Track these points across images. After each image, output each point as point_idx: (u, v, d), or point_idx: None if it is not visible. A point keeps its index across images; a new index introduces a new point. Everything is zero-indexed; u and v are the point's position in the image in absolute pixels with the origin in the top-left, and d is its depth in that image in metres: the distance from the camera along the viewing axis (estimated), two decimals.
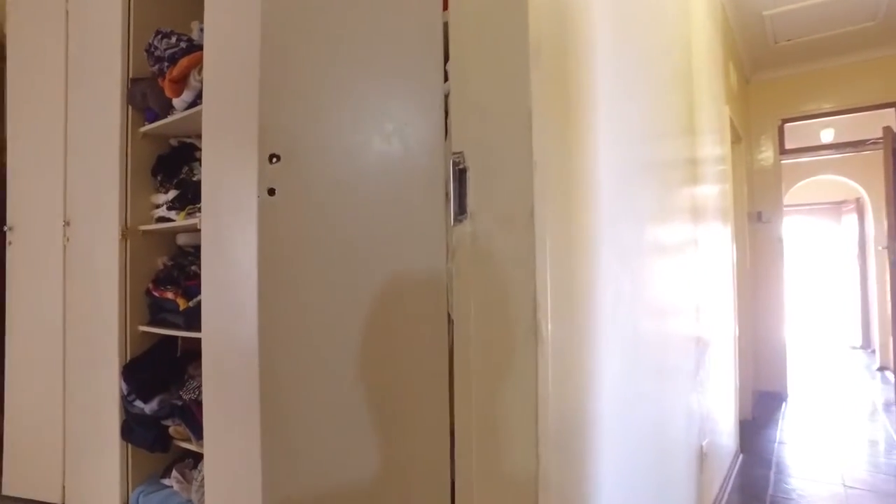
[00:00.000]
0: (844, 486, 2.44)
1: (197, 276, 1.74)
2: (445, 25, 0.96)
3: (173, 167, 1.87)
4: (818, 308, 7.85)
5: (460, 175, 0.86)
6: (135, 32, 1.89)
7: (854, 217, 6.53)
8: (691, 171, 2.01)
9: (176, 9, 1.95)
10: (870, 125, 3.90)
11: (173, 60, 1.67)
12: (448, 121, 1.00)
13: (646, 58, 1.48)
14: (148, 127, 1.87)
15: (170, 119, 1.78)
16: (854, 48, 3.68)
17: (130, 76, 1.89)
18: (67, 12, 2.09)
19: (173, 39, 1.70)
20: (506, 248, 0.82)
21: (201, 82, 1.55)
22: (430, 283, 0.98)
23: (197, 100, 1.68)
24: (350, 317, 0.99)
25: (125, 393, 1.78)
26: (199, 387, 1.65)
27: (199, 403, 1.64)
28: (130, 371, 1.78)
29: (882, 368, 5.21)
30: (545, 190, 0.81)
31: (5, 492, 2.14)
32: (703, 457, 1.94)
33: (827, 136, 4.48)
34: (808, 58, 3.85)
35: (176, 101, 1.72)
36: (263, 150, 0.99)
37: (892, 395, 4.08)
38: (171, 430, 1.76)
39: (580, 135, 0.99)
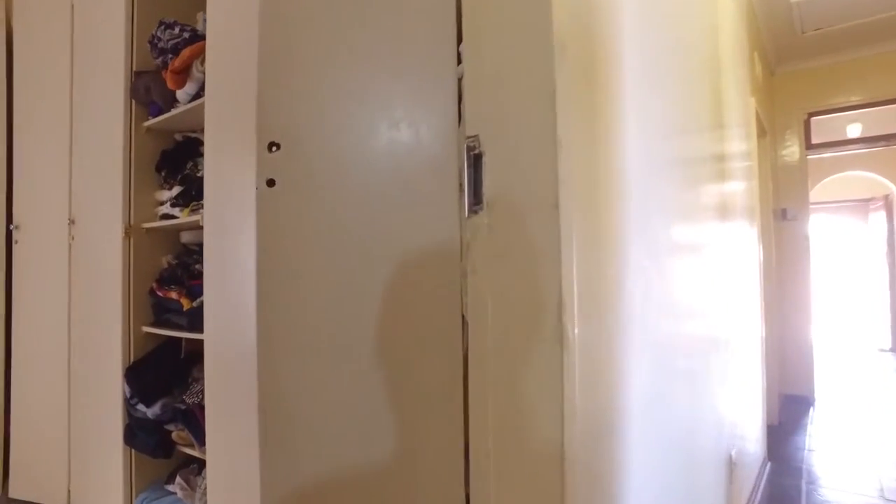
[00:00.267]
0: (884, 498, 2.29)
1: (201, 276, 1.68)
2: (458, 3, 0.87)
3: (177, 162, 1.81)
4: (845, 309, 7.59)
5: (475, 161, 0.78)
6: (138, 25, 1.85)
7: (882, 215, 6.31)
8: (718, 166, 1.90)
9: (180, 1, 1.90)
10: None
11: (176, 51, 1.62)
12: (461, 106, 0.92)
13: (673, 44, 1.38)
14: (152, 121, 1.81)
15: (173, 112, 1.73)
16: (885, 37, 3.51)
17: (134, 69, 1.84)
18: (73, 6, 2.05)
19: (176, 30, 1.65)
20: (527, 242, 0.73)
21: (204, 73, 1.49)
22: (441, 280, 0.90)
23: (200, 92, 1.62)
24: (354, 315, 0.91)
25: (128, 396, 1.72)
26: (203, 390, 1.58)
27: (202, 408, 1.58)
28: (133, 373, 1.73)
29: None
30: (570, 175, 0.72)
31: (11, 495, 2.11)
32: (732, 466, 1.83)
33: (854, 131, 4.30)
34: (836, 48, 3.69)
35: (179, 94, 1.67)
36: (262, 137, 0.92)
37: None
38: (174, 435, 1.71)
39: (607, 119, 0.90)
